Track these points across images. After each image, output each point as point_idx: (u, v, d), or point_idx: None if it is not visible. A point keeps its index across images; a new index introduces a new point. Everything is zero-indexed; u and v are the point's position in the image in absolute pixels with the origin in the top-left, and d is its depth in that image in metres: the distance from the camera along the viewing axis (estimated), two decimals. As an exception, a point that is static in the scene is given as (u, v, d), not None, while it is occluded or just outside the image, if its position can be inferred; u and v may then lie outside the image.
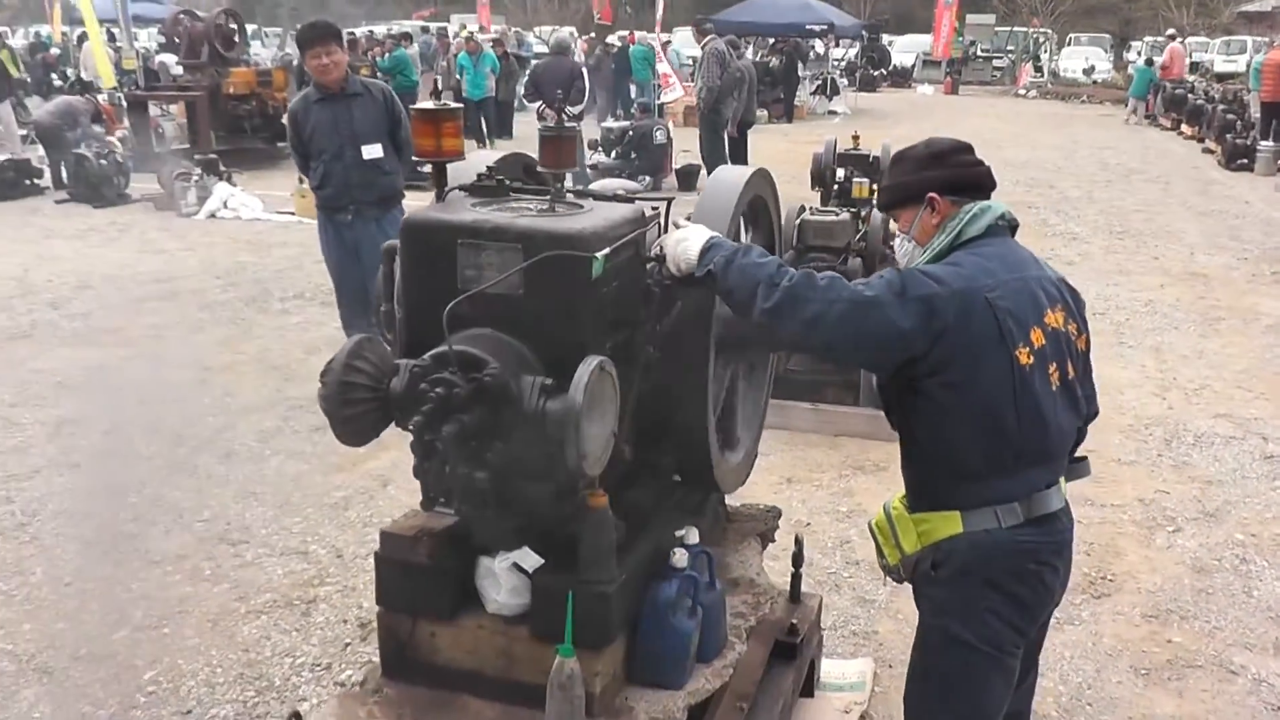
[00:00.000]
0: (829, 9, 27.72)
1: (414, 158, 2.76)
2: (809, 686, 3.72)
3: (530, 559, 2.53)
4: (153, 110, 16.43)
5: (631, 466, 2.77)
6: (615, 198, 2.73)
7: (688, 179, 14.17)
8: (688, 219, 2.64)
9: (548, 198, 2.58)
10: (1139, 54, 29.77)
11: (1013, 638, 2.55)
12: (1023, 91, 32.75)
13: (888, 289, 2.41)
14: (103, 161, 13.57)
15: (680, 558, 2.66)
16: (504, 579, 2.56)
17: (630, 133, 15.14)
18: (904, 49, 39.02)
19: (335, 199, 6.44)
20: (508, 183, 2.68)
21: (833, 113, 26.04)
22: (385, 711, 2.57)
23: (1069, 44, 39.23)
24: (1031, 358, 2.47)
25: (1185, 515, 5.34)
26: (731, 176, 2.88)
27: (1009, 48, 38.71)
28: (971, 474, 2.49)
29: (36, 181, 14.36)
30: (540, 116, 13.07)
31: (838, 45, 30.71)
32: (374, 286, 2.68)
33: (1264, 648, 4.23)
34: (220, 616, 4.35)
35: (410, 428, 2.25)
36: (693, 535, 2.77)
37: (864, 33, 34.52)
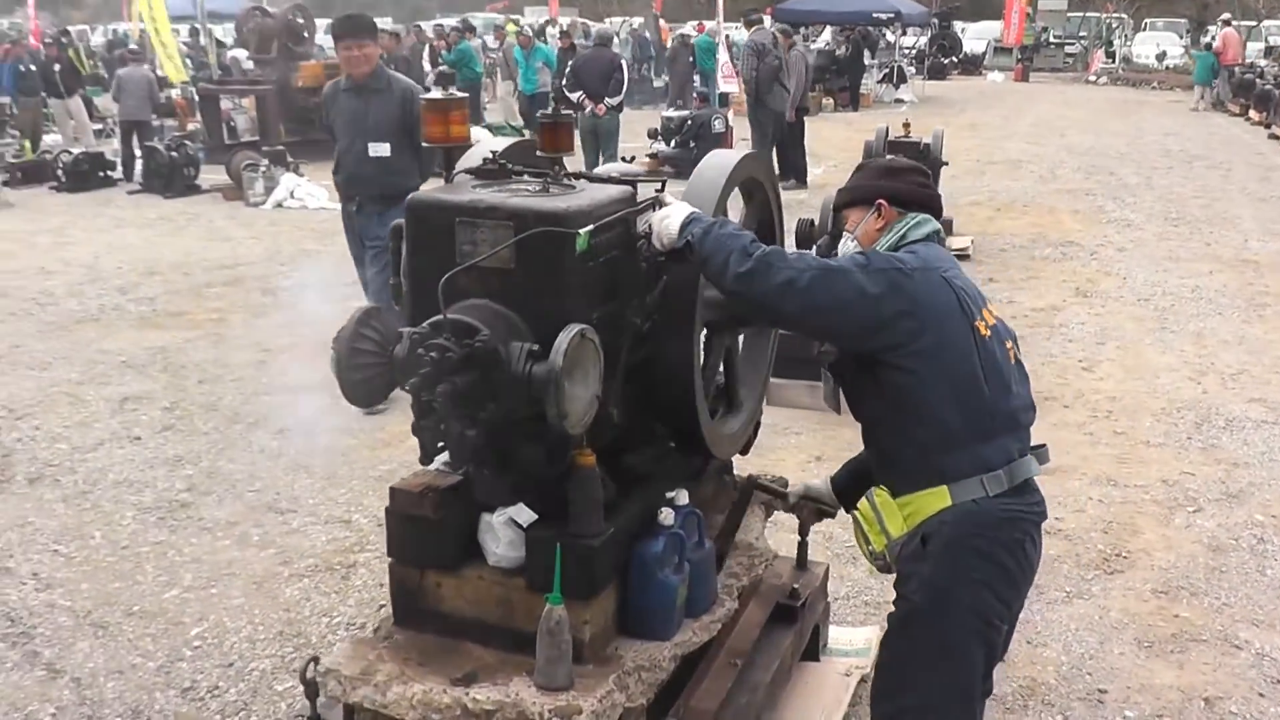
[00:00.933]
0: (896, -4, 27.59)
1: (423, 144, 2.96)
2: (814, 651, 3.88)
3: (524, 514, 2.73)
4: (225, 104, 16.89)
5: (628, 432, 2.97)
6: (609, 180, 2.92)
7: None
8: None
9: (542, 179, 2.77)
10: (1214, 39, 29.19)
11: (999, 610, 2.65)
12: (1093, 78, 32.30)
13: (852, 262, 2.62)
14: (174, 154, 14.04)
15: (667, 516, 2.84)
16: (502, 533, 2.76)
17: (689, 122, 15.34)
18: (976, 36, 38.64)
19: (344, 187, 6.65)
20: (510, 166, 2.89)
21: (899, 101, 25.92)
22: (393, 655, 2.78)
23: (1144, 29, 38.53)
24: (988, 331, 2.67)
25: (1208, 496, 5.40)
26: (721, 160, 3.05)
27: (1081, 34, 38.14)
28: (954, 441, 2.61)
29: (110, 174, 14.90)
30: (580, 107, 13.30)
31: (905, 33, 30.55)
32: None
33: (1271, 624, 4.30)
34: (265, 579, 4.62)
35: (408, 389, 2.45)
36: (683, 497, 2.94)
37: (934, 20, 34.29)
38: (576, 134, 13.29)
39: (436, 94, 2.87)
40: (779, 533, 4.20)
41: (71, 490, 5.47)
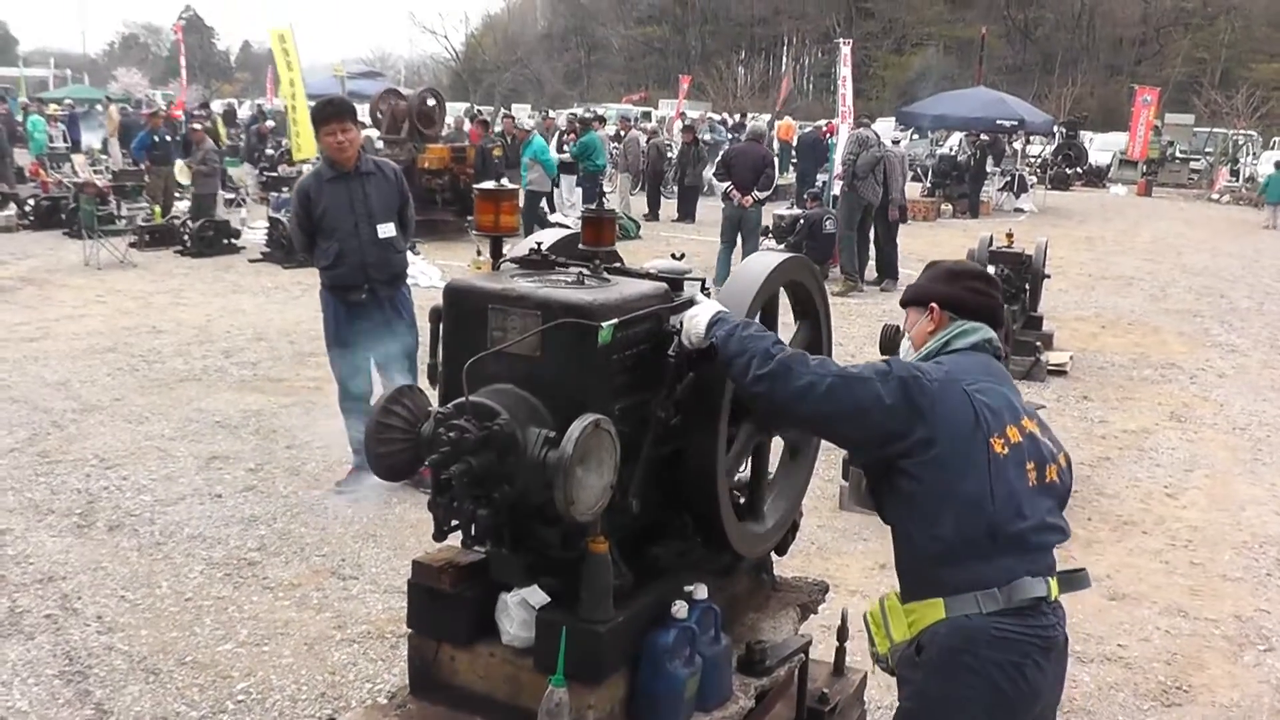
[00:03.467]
0: (1021, 104, 27.48)
1: (474, 232, 3.10)
2: (845, 760, 3.83)
3: (537, 596, 2.80)
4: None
5: (656, 524, 3.03)
6: (648, 276, 3.02)
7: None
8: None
9: (579, 272, 2.88)
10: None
11: None
12: (1216, 196, 31.62)
13: (873, 370, 2.66)
14: (296, 225, 14.62)
15: (680, 609, 2.87)
16: (515, 613, 2.82)
17: (801, 221, 15.49)
18: (1102, 147, 38.14)
19: (350, 278, 6.26)
20: (552, 257, 3.01)
21: (1019, 210, 25.71)
22: (403, 724, 2.86)
23: (1272, 147, 37.65)
24: (1006, 449, 2.66)
25: (1282, 635, 5.21)
26: (760, 263, 3.12)
27: (1207, 149, 37.44)
28: (950, 556, 2.64)
29: (234, 241, 15.57)
30: (727, 197, 13.59)
31: (1029, 142, 30.41)
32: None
33: (1333, 774, 4.13)
34: (317, 641, 4.74)
35: (427, 465, 2.56)
36: (701, 591, 2.96)
37: (1060, 129, 34.06)
38: (719, 222, 13.82)
39: (488, 185, 3.02)
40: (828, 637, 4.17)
41: (147, 540, 5.70)
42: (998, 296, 3.03)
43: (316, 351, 9.86)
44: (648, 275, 3.03)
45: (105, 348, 9.83)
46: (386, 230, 6.30)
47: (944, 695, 2.63)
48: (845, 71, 17.04)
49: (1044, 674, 2.66)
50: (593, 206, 3.05)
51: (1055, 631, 2.69)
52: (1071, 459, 2.94)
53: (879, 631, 2.82)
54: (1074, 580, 2.86)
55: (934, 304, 2.94)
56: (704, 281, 3.12)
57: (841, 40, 18.87)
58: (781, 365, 2.63)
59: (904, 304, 3.10)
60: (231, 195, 19.15)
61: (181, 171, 15.37)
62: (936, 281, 3.00)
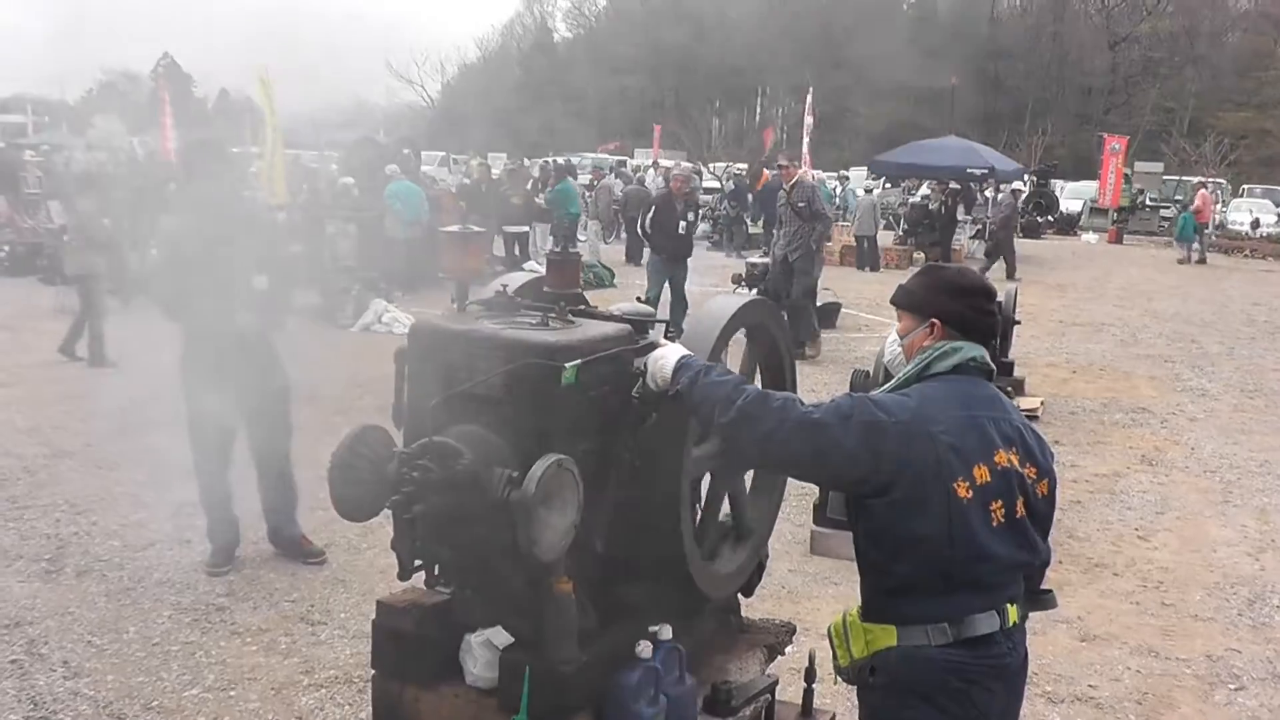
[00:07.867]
0: (991, 153, 27.79)
1: (440, 275, 3.13)
2: (815, 801, 3.82)
3: (501, 637, 2.81)
4: (330, 229, 17.45)
5: (622, 564, 3.05)
6: (610, 317, 3.05)
7: (827, 316, 14.34)
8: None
9: (543, 313, 2.91)
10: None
11: None
12: (1186, 243, 32.00)
13: (835, 413, 2.63)
14: (270, 272, 14.58)
15: (644, 649, 2.88)
16: (479, 654, 2.84)
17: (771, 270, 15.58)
18: (1073, 195, 38.51)
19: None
20: (517, 299, 3.05)
21: (990, 257, 25.89)
22: (367, 766, 2.85)
23: (1241, 195, 38.12)
24: (970, 492, 2.63)
25: (1252, 674, 5.22)
26: (721, 305, 3.17)
27: (1177, 197, 37.87)
28: (903, 591, 2.69)
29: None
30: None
31: (999, 190, 30.69)
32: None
33: (1301, 813, 4.14)
34: (284, 686, 4.70)
35: (388, 506, 2.57)
36: (665, 632, 2.99)
37: (1030, 177, 34.38)
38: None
39: (454, 228, 3.06)
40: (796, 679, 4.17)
41: (116, 585, 5.65)
42: (997, 314, 2.95)
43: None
44: (611, 317, 3.06)
45: (78, 394, 9.77)
46: (260, 283, 5.82)
47: (894, 716, 2.72)
48: (809, 119, 17.25)
49: (994, 696, 2.72)
50: (558, 249, 3.09)
51: (1009, 659, 2.73)
52: (1057, 479, 2.90)
53: (840, 646, 2.86)
54: (1040, 601, 2.92)
55: (935, 320, 2.82)
56: (668, 324, 3.17)
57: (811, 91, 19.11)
58: (741, 413, 2.63)
59: (900, 305, 2.95)
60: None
61: None
62: (939, 294, 2.85)
